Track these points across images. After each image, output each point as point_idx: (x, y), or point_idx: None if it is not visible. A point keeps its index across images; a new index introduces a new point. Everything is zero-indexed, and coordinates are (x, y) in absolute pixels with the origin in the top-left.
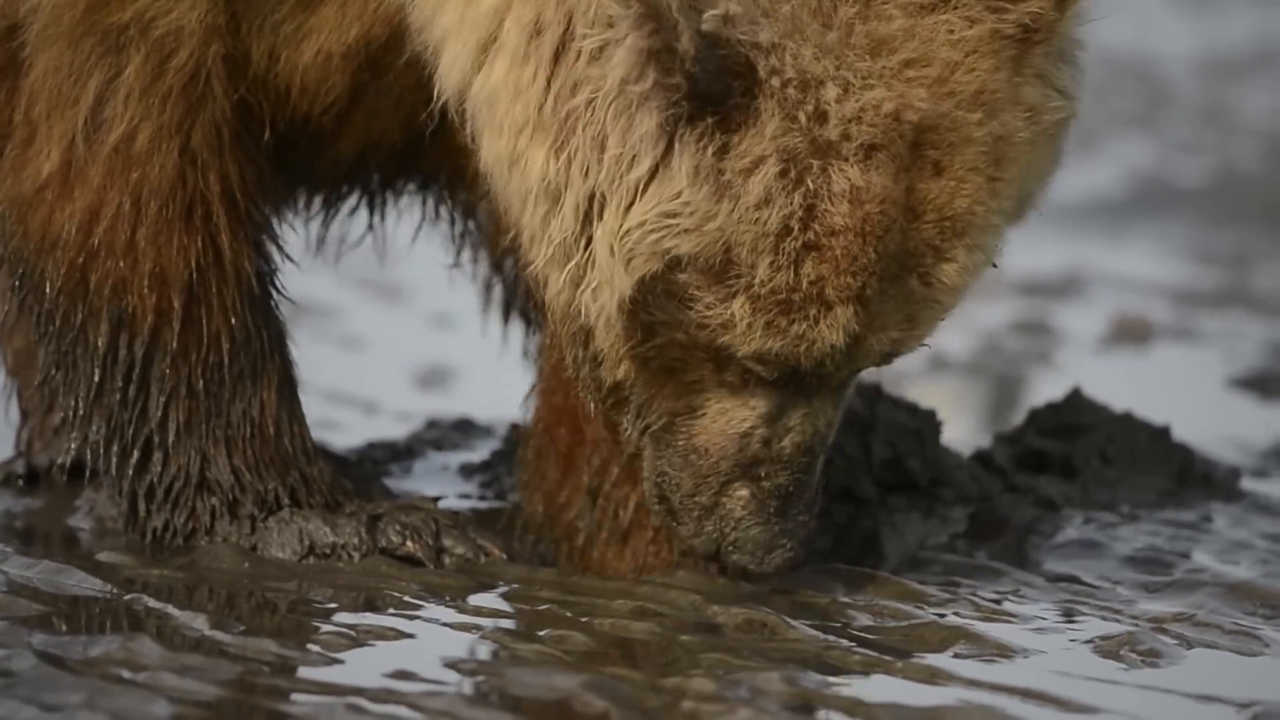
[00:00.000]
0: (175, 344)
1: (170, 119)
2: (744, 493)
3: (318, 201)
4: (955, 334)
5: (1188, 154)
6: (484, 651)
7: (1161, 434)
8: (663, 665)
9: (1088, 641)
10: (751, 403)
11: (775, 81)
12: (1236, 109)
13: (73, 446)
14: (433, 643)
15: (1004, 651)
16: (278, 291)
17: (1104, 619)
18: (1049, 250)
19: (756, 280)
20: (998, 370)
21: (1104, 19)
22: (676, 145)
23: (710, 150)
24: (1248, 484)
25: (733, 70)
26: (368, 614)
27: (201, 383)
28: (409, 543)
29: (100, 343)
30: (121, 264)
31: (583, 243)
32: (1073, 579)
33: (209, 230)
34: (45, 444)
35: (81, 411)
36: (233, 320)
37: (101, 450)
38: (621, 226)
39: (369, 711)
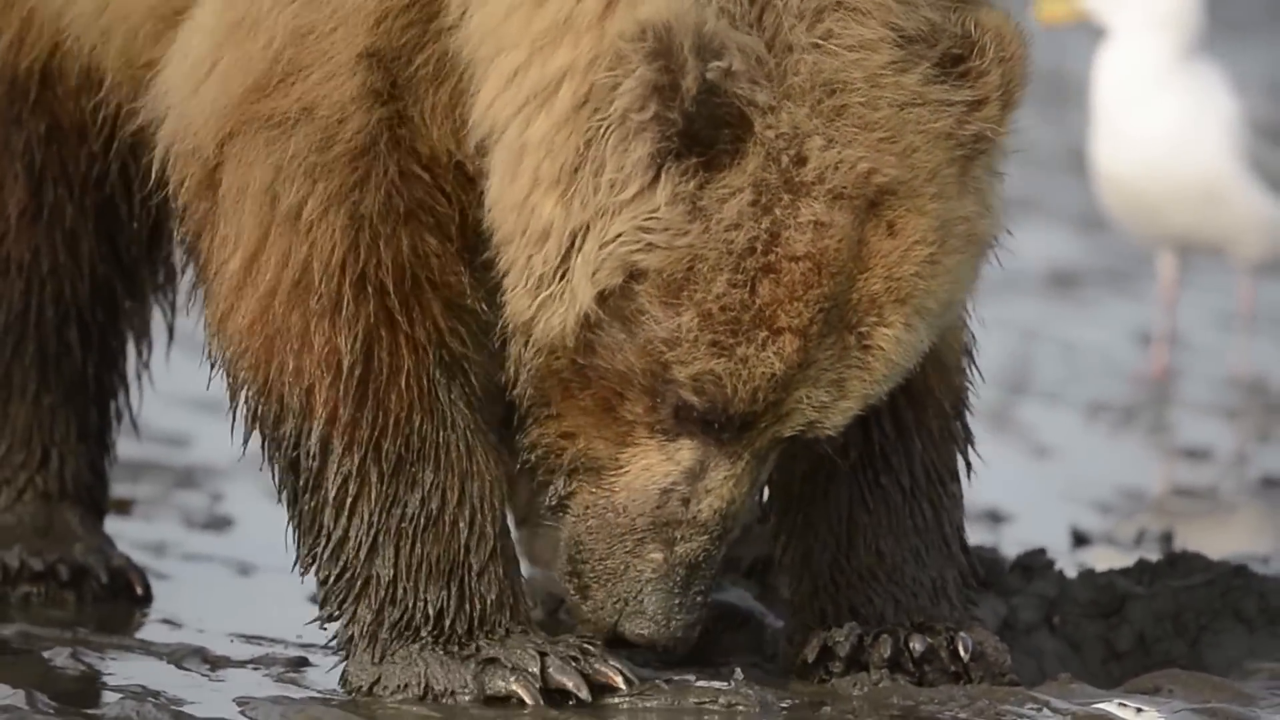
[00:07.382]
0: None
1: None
2: (656, 556)
3: None
4: None
5: None
6: None
7: None
8: None
9: None
10: (676, 456)
11: (769, 134)
12: None
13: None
14: None
15: None
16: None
17: None
18: None
19: (712, 295)
20: None
21: None
22: (662, 175)
23: (692, 183)
24: None
25: (725, 120)
26: None
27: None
28: (514, 684)
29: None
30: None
31: (560, 272)
32: None
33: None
34: None
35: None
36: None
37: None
38: (598, 246)
39: None
